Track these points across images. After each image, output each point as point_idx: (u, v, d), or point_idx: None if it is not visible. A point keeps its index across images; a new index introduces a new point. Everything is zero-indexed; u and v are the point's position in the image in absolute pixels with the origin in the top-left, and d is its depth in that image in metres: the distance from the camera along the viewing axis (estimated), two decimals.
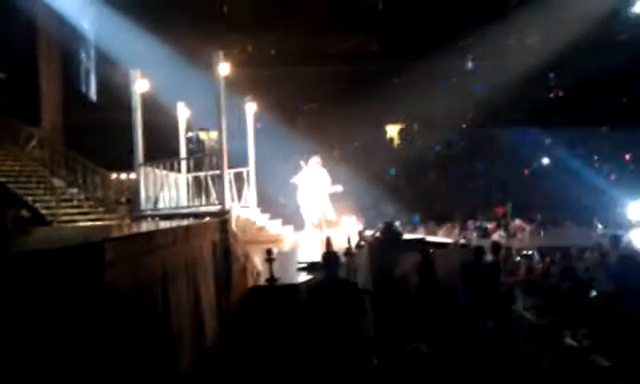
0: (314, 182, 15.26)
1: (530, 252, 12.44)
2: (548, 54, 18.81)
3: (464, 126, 20.72)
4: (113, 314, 3.22)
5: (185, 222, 7.61)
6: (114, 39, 17.12)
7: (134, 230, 5.10)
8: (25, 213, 13.61)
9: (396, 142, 21.98)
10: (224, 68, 12.36)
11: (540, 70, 19.15)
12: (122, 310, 3.37)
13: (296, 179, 15.43)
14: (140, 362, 3.55)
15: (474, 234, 15.10)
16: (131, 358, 3.42)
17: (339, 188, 15.25)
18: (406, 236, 13.32)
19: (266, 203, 16.11)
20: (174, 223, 7.17)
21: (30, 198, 14.32)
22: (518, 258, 11.89)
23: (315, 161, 15.43)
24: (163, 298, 4.06)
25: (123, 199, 15.45)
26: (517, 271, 11.18)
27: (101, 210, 14.94)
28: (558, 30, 18.51)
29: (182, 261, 4.56)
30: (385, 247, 11.26)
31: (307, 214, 15.50)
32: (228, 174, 12.90)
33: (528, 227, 15.84)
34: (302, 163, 15.51)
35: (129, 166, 14.45)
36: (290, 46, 20.48)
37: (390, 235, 11.77)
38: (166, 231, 4.56)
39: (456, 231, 15.51)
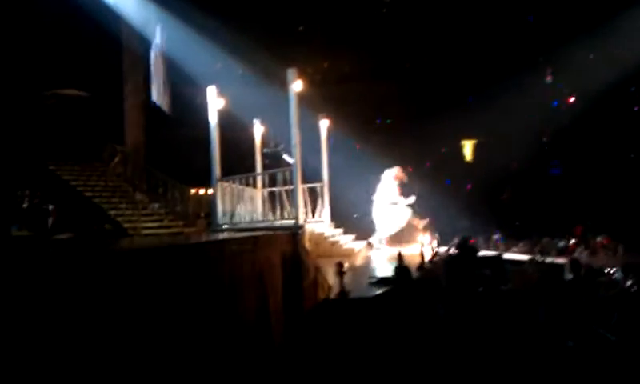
0: (389, 195, 15.37)
1: (614, 270, 11.88)
2: (632, 67, 18.02)
3: (544, 139, 20.11)
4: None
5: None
6: (191, 58, 17.63)
7: (205, 239, 5.23)
8: (107, 226, 14.19)
9: (471, 157, 21.58)
10: (297, 85, 12.56)
11: (623, 83, 18.36)
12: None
13: (375, 195, 15.62)
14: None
15: (553, 251, 14.57)
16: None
17: (412, 199, 15.38)
18: (482, 252, 13.04)
19: (340, 218, 16.19)
20: (247, 234, 7.31)
21: (113, 212, 14.93)
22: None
23: (392, 174, 15.53)
24: (231, 300, 4.16)
25: (202, 213, 15.87)
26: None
27: (180, 223, 15.40)
28: None
29: (249, 269, 4.64)
30: (460, 263, 11.06)
31: (381, 229, 15.56)
32: (302, 189, 13.07)
33: (611, 244, 15.13)
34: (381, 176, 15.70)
35: (207, 181, 14.88)
36: (364, 63, 20.53)
37: (465, 251, 11.54)
38: (234, 240, 4.65)
39: (533, 248, 15.03)
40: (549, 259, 13.00)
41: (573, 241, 15.16)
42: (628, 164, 18.89)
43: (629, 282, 10.64)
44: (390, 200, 15.44)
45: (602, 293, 10.53)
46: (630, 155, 18.98)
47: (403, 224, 15.50)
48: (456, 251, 11.44)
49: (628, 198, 18.04)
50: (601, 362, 9.15)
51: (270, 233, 5.98)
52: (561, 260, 12.63)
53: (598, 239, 15.30)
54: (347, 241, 14.28)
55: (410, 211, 15.66)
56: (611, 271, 11.92)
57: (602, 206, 17.75)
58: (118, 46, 18.49)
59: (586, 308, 10.02)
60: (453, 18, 19.79)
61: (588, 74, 18.66)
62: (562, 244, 15.31)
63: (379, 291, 7.99)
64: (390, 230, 15.51)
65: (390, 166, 16.50)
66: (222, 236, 5.93)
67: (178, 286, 3.38)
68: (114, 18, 17.51)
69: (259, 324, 4.89)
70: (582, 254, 14.16)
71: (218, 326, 3.93)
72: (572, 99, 19.33)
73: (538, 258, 13.09)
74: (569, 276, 10.33)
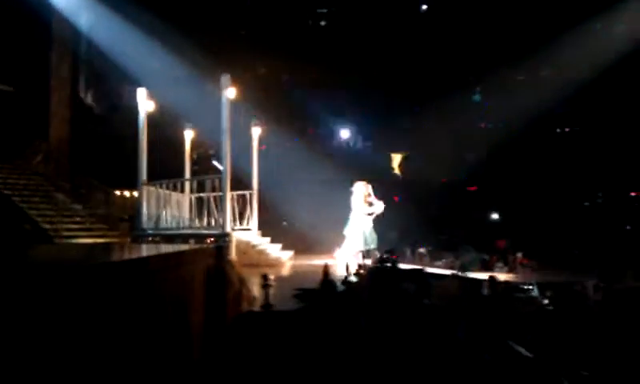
0: (360, 207, 15.24)
1: (530, 286, 12.33)
2: (559, 88, 18.73)
3: (468, 155, 20.65)
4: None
5: (185, 246, 7.66)
6: (123, 56, 17.20)
7: (127, 255, 5.11)
8: (27, 226, 13.66)
9: (400, 170, 21.93)
10: (231, 91, 12.50)
11: (549, 104, 19.07)
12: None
13: (352, 205, 15.37)
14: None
15: (474, 266, 14.99)
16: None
17: (381, 207, 15.25)
18: (406, 266, 13.29)
19: (269, 226, 16.14)
20: (172, 247, 7.20)
21: (33, 212, 14.38)
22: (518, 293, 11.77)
23: (361, 186, 15.42)
24: (147, 322, 4.07)
25: (126, 216, 15.49)
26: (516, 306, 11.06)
27: (103, 226, 14.98)
28: (571, 65, 18.51)
29: (172, 286, 4.57)
30: (382, 276, 11.21)
31: (350, 240, 15.24)
32: (231, 196, 12.99)
33: (529, 261, 15.72)
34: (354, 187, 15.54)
35: (133, 183, 14.58)
36: (298, 73, 20.53)
37: (386, 265, 11.71)
38: (158, 257, 4.57)
39: (455, 262, 15.42)
40: (470, 274, 13.34)
41: (493, 256, 15.66)
42: (549, 184, 19.65)
43: (544, 300, 11.07)
44: (364, 212, 15.34)
45: (518, 309, 10.90)
46: (551, 176, 19.73)
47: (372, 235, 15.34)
48: (378, 264, 11.59)
49: (547, 216, 18.80)
50: (516, 377, 9.47)
51: (196, 247, 5.90)
52: (481, 275, 12.98)
53: (518, 255, 15.88)
54: (274, 250, 14.25)
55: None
56: (528, 288, 12.37)
57: (522, 224, 18.43)
58: (47, 37, 17.82)
59: (502, 323, 10.34)
60: (388, 33, 20.11)
61: (516, 95, 19.32)
62: (483, 259, 15.78)
63: (303, 304, 8.02)
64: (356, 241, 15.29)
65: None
66: (144, 249, 5.82)
67: (90, 307, 3.28)
68: (44, 7, 16.89)
69: (179, 340, 4.81)
70: (501, 270, 14.64)
71: (135, 346, 3.85)
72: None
73: (460, 272, 13.45)
74: (487, 291, 10.61)
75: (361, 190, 15.29)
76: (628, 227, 19.26)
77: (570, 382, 8.03)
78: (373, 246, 14.98)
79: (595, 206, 20.53)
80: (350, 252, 14.92)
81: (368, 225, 15.11)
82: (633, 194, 20.29)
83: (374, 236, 15.10)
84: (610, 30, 18.33)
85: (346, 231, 15.25)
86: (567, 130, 20.54)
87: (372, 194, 15.37)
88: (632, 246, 16.62)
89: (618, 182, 19.85)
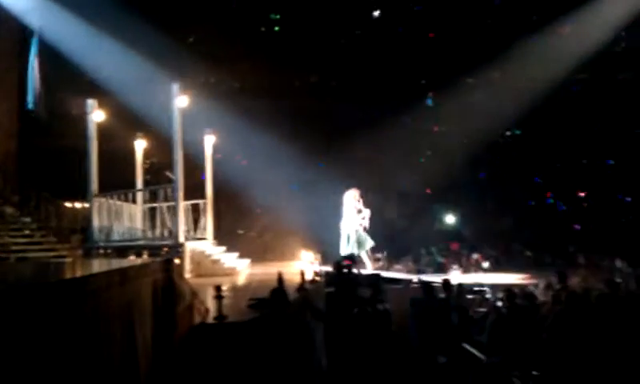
0: (351, 214, 15.15)
1: (484, 288, 12.51)
2: (508, 93, 19.06)
3: (421, 160, 20.81)
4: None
5: (137, 259, 7.56)
6: (72, 65, 16.80)
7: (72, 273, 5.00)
8: None
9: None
10: (182, 100, 12.39)
11: (499, 109, 19.38)
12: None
13: (344, 211, 15.26)
14: None
15: (430, 269, 15.20)
16: None
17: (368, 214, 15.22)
18: (362, 271, 13.34)
19: (225, 235, 16.00)
20: (120, 261, 7.08)
21: None
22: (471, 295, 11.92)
23: (353, 194, 15.35)
24: (93, 339, 3.99)
25: (77, 228, 15.13)
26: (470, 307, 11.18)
27: (53, 239, 14.57)
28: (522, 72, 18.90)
29: (116, 304, 4.48)
30: (339, 282, 11.24)
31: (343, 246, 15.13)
32: (184, 206, 12.87)
33: (484, 263, 16.00)
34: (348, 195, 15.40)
35: (84, 195, 14.28)
36: (253, 80, 20.37)
37: (343, 270, 11.72)
38: (100, 275, 4.48)
39: (411, 266, 15.60)
40: (426, 276, 13.46)
41: (448, 258, 15.91)
42: (502, 186, 20.02)
43: (498, 302, 11.18)
44: (357, 220, 15.25)
45: (472, 311, 11.02)
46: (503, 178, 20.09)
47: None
48: (334, 269, 11.60)
49: (501, 218, 19.17)
50: (470, 379, 9.58)
51: (144, 261, 5.80)
52: (437, 277, 13.10)
53: (472, 257, 16.15)
54: (229, 259, 14.14)
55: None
56: (482, 289, 12.55)
57: (477, 225, 18.75)
58: None
59: (457, 326, 10.45)
60: (345, 39, 20.19)
61: (468, 100, 19.59)
62: (438, 261, 16.01)
63: (256, 314, 7.97)
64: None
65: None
66: (88, 266, 5.71)
67: (30, 329, 3.20)
68: None
69: (125, 359, 4.72)
70: (456, 271, 14.86)
71: (78, 368, 3.76)
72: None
73: (417, 275, 13.58)
74: (442, 295, 10.70)
75: (351, 195, 15.36)
76: (577, 227, 19.80)
77: (522, 381, 8.15)
78: (358, 250, 14.98)
79: (545, 206, 21.02)
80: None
81: (358, 230, 15.15)
82: (581, 193, 20.82)
83: (363, 240, 15.14)
84: (559, 39, 18.79)
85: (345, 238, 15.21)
86: (517, 132, 20.96)
87: (360, 200, 15.45)
88: (582, 245, 17.05)
89: (567, 182, 20.36)
